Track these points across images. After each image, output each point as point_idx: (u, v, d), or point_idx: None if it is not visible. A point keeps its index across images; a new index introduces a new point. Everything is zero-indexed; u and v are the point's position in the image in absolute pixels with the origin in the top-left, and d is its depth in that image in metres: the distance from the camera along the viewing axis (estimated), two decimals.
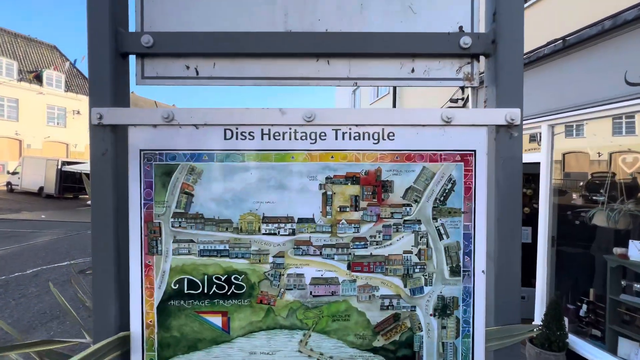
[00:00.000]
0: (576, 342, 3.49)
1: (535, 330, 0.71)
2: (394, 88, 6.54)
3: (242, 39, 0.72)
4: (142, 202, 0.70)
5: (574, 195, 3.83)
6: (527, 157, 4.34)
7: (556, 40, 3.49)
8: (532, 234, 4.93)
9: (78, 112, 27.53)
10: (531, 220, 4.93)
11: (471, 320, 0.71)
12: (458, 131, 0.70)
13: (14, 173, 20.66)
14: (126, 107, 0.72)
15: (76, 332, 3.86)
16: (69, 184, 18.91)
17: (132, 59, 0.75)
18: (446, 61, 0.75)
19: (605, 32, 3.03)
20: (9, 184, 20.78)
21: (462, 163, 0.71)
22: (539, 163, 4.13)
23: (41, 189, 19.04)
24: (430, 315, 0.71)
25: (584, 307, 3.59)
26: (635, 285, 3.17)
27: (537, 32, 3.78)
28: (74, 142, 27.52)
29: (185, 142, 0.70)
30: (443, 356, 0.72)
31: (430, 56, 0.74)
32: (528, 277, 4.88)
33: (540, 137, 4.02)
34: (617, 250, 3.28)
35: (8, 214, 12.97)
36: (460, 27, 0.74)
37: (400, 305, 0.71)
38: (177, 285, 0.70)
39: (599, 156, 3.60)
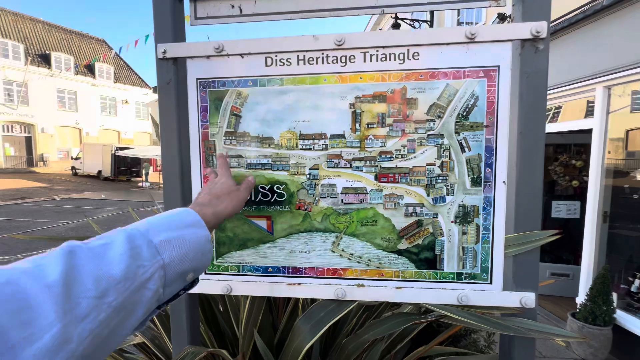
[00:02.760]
0: (625, 318, 3.29)
1: (553, 235, 0.75)
2: (432, 15, 6.25)
3: None
4: (200, 123, 0.83)
5: (636, 173, 3.48)
6: (577, 124, 4.01)
7: None
8: (580, 209, 4.61)
9: (126, 102, 29.70)
10: (580, 194, 4.60)
11: (491, 227, 0.77)
12: (482, 48, 0.74)
13: (76, 158, 23.12)
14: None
15: None
16: (122, 167, 20.76)
17: (186, 3, 0.87)
18: None
19: None
20: (73, 168, 23.32)
21: (485, 79, 0.74)
22: (590, 131, 3.80)
23: (99, 172, 21.16)
24: (452, 222, 0.78)
25: (637, 282, 3.35)
26: None
27: None
28: (124, 130, 29.90)
29: (233, 70, 0.81)
30: (463, 259, 0.79)
31: None
32: (575, 255, 4.61)
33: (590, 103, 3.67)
34: None
35: (75, 194, 14.67)
36: None
37: (423, 213, 0.79)
38: None
39: None
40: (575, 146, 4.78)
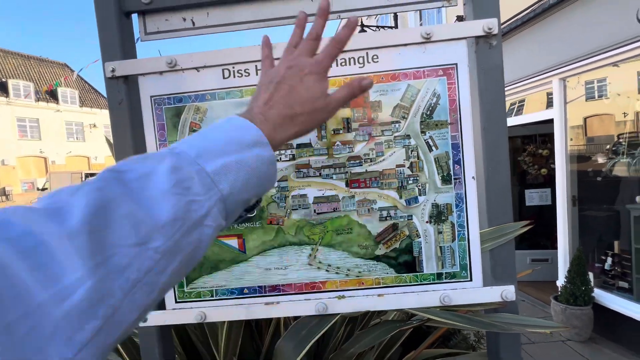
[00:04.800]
0: (602, 296, 3.44)
1: (526, 226, 0.76)
2: (395, 21, 6.49)
3: None
4: (158, 143, 0.78)
5: (597, 157, 3.68)
6: (540, 115, 4.22)
7: None
8: (551, 195, 4.83)
9: (94, 125, 28.54)
10: (550, 181, 4.83)
11: (465, 224, 0.77)
12: (438, 47, 0.74)
13: (43, 189, 21.81)
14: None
15: None
16: None
17: (134, 18, 0.83)
18: None
19: None
20: None
21: (445, 77, 0.75)
22: (552, 121, 4.01)
23: None
24: (427, 222, 0.77)
25: (609, 260, 3.52)
26: None
27: None
28: (94, 155, 28.63)
29: (189, 85, 0.77)
30: (441, 259, 0.78)
31: None
32: (551, 240, 4.80)
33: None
34: None
35: None
36: None
37: (397, 216, 0.77)
38: None
39: (625, 117, 3.40)
40: (540, 136, 5.03)
